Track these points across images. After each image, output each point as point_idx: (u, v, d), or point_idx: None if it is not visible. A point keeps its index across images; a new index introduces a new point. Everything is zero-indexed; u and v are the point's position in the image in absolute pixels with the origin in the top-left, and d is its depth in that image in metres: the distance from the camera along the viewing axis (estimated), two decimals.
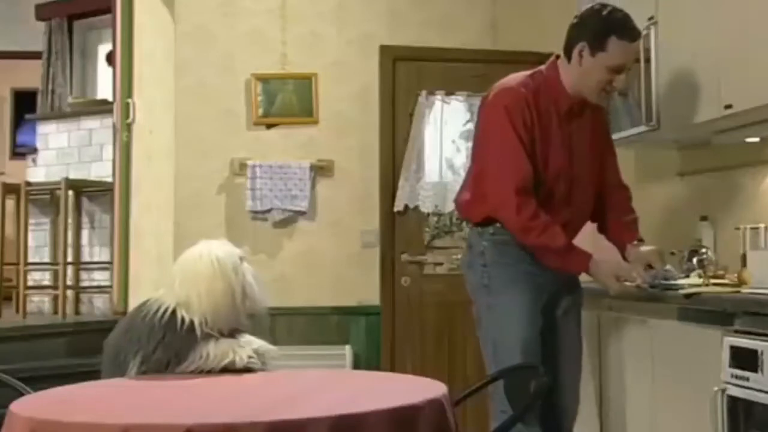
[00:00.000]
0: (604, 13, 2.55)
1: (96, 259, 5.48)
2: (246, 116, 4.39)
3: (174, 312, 2.08)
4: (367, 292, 4.40)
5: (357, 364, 4.27)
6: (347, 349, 4.29)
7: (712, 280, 2.77)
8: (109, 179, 5.19)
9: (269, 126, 4.42)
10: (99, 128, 5.61)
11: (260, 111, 4.40)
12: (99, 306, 5.37)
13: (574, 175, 2.60)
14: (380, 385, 2.04)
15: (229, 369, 2.06)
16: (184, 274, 2.13)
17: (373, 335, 4.39)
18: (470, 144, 4.89)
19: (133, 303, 4.62)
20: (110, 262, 5.13)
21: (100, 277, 5.40)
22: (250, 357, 2.07)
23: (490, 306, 2.59)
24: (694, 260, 3.07)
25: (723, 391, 2.29)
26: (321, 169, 4.42)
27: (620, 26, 2.52)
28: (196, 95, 4.36)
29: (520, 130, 2.50)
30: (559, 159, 2.56)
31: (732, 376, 2.28)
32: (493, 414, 2.55)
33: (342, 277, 4.40)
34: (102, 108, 5.63)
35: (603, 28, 2.51)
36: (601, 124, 2.76)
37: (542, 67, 2.65)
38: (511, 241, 2.55)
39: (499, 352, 2.55)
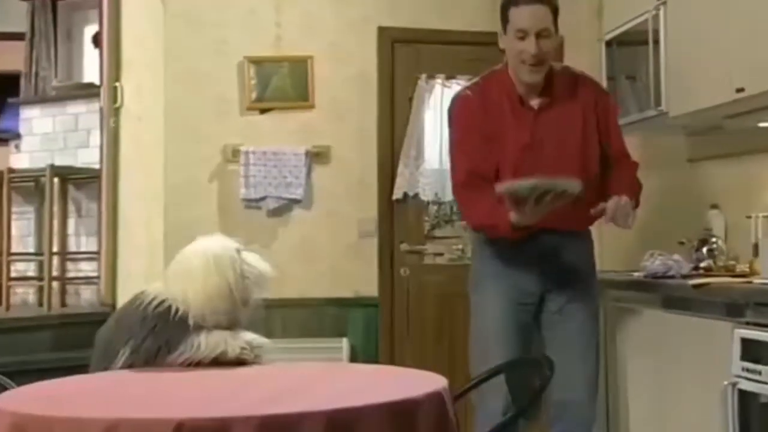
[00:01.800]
0: None
1: (83, 249, 5.47)
2: (239, 101, 4.38)
3: (169, 304, 2.09)
4: (365, 283, 4.40)
5: (354, 358, 4.27)
6: (344, 342, 4.29)
7: (723, 271, 2.77)
8: (97, 166, 5.18)
9: (263, 111, 4.41)
10: (85, 113, 5.58)
11: (253, 95, 4.38)
12: (86, 298, 5.36)
13: (541, 158, 2.63)
14: (378, 379, 2.04)
15: (221, 361, 2.06)
16: (179, 270, 2.15)
17: (371, 328, 4.40)
18: None
19: (122, 294, 4.62)
20: (98, 253, 5.12)
21: (87, 268, 5.39)
22: (242, 348, 2.08)
23: (471, 300, 2.79)
24: (704, 250, 3.07)
25: (734, 385, 2.30)
26: (317, 156, 4.41)
27: None
28: (187, 79, 4.34)
29: (464, 132, 2.69)
30: (517, 144, 2.64)
31: (743, 369, 2.28)
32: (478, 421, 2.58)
33: (339, 268, 4.40)
34: (88, 92, 5.60)
35: (504, 4, 2.66)
36: (594, 106, 2.72)
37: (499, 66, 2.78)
38: (488, 238, 2.69)
39: (471, 345, 2.74)
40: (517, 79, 2.67)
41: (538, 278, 2.64)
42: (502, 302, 2.65)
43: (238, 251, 2.16)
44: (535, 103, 2.68)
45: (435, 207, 4.56)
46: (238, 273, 2.12)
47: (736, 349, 2.31)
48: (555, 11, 2.64)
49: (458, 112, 2.74)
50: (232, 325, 2.13)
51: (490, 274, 2.69)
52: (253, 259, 2.19)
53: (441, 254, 4.59)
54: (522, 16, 2.61)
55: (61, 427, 1.50)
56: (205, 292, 2.07)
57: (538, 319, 2.69)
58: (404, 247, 4.51)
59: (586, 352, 2.69)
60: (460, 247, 4.72)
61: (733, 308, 2.39)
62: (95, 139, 5.36)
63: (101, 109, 5.09)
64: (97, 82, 5.40)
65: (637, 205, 2.68)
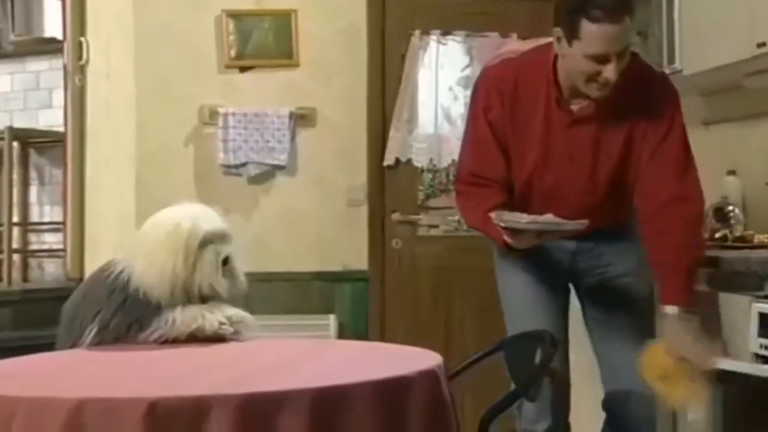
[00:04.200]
0: None
1: (46, 219, 5.45)
2: (217, 58, 4.36)
3: (135, 275, 2.08)
4: (354, 255, 4.41)
5: (342, 336, 4.28)
6: (331, 319, 4.30)
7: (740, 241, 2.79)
8: (61, 129, 5.14)
9: (243, 69, 4.39)
10: (47, 70, 5.54)
11: (233, 52, 4.36)
12: (50, 272, 5.35)
13: (562, 182, 2.44)
14: (367, 356, 2.05)
15: (198, 338, 2.06)
16: (141, 234, 2.15)
17: (361, 304, 4.41)
18: (469, 92, 4.94)
19: (89, 268, 4.60)
20: (63, 223, 5.10)
21: (51, 240, 5.38)
22: (221, 323, 2.07)
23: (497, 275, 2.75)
24: (719, 219, 3.08)
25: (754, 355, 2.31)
26: (302, 118, 4.39)
27: (589, 4, 2.25)
28: (160, 34, 4.32)
29: (484, 127, 2.47)
30: (540, 157, 2.43)
31: (761, 346, 2.29)
32: None
33: (325, 239, 4.41)
34: (50, 47, 5.55)
35: (572, 10, 2.29)
36: (647, 123, 2.39)
37: (543, 44, 2.47)
38: None
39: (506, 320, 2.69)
40: (568, 82, 2.38)
41: (564, 259, 2.55)
42: (524, 279, 2.58)
43: (206, 242, 2.10)
44: (575, 106, 2.40)
45: (430, 175, 4.56)
46: (188, 263, 2.08)
47: (754, 324, 2.32)
48: (633, 15, 2.31)
49: (486, 92, 2.46)
50: (209, 297, 2.12)
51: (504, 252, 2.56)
52: (210, 260, 2.09)
53: (436, 226, 4.59)
54: (600, 37, 2.24)
55: (24, 408, 1.50)
56: (153, 263, 2.05)
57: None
58: (396, 217, 4.51)
59: (621, 335, 2.50)
60: (457, 218, 4.71)
61: (751, 281, 2.39)
62: (58, 99, 5.31)
63: (65, 67, 5.04)
64: (59, 36, 5.34)
65: (693, 300, 2.27)
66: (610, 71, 2.28)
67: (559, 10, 2.35)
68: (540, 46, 2.49)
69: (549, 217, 2.31)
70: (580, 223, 2.29)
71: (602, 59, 2.27)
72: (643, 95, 2.40)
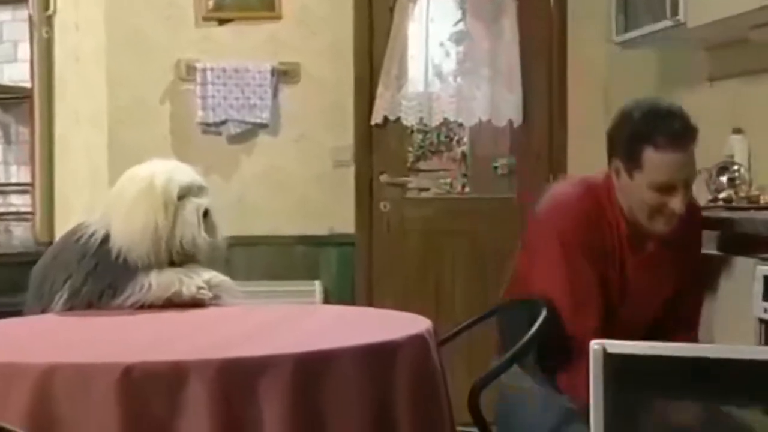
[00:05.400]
0: (636, 114, 2.27)
1: (13, 180, 5.41)
2: (194, 9, 4.32)
3: (108, 237, 2.07)
4: (340, 218, 4.41)
5: (328, 302, 4.28)
6: (317, 285, 4.31)
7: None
8: (27, 84, 5.09)
9: (222, 21, 4.35)
10: (11, 21, 5.46)
11: (211, 3, 4.32)
12: (18, 235, 5.33)
13: (628, 311, 2.38)
14: (353, 320, 2.06)
15: (175, 303, 2.06)
16: (113, 193, 2.16)
17: (347, 268, 4.42)
18: (461, 48, 4.95)
19: (60, 231, 4.58)
20: (31, 184, 5.07)
21: (18, 202, 5.35)
22: (199, 288, 2.08)
23: None
24: (724, 178, 3.08)
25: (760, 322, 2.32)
26: (284, 74, 4.37)
27: (654, 132, 2.21)
28: None
29: (585, 259, 2.32)
30: (613, 300, 2.35)
31: (766, 311, 2.30)
32: None
33: (310, 202, 4.40)
34: None
35: (633, 138, 2.24)
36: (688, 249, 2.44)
37: (598, 176, 2.40)
38: None
39: None
40: (634, 220, 2.32)
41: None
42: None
43: (183, 194, 2.10)
44: (650, 247, 2.36)
45: (420, 136, 4.55)
46: (171, 217, 2.07)
47: (759, 288, 2.33)
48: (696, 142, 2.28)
49: (575, 236, 2.30)
50: (186, 260, 2.12)
51: None
52: (190, 212, 2.10)
53: (426, 189, 4.59)
54: (666, 166, 2.21)
55: None
56: (129, 226, 2.05)
57: None
58: (384, 178, 4.50)
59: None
60: (449, 181, 4.72)
61: (757, 243, 2.40)
62: (24, 52, 5.25)
63: (30, 17, 4.98)
64: None
65: None
66: (677, 203, 2.24)
67: (616, 140, 2.31)
68: (584, 184, 2.40)
69: None
70: None
71: (668, 190, 2.24)
72: (688, 222, 2.36)
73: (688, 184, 2.28)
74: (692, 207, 2.43)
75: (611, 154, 2.33)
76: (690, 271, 2.45)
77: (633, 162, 2.25)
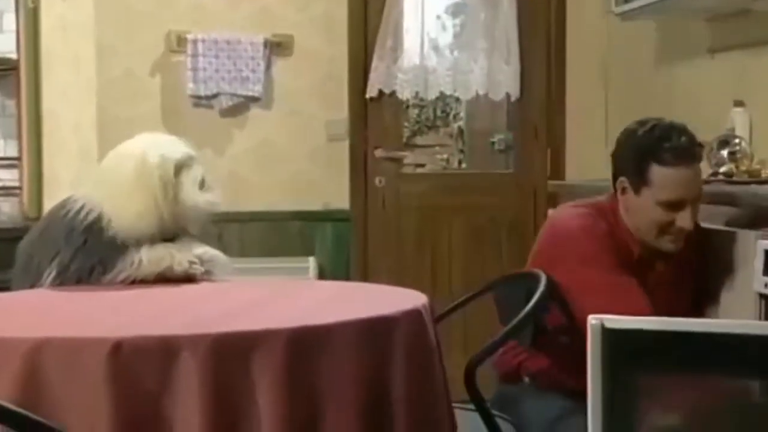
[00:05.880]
0: (640, 132, 2.30)
1: (0, 154, 5.40)
2: None
3: (99, 214, 2.06)
4: (334, 194, 4.41)
5: (323, 279, 4.29)
6: (311, 262, 4.31)
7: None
8: (13, 56, 5.06)
9: None
10: None
11: None
12: (5, 211, 5.31)
13: None
14: (348, 295, 2.06)
15: (167, 278, 2.06)
16: (105, 171, 2.15)
17: (342, 245, 4.42)
18: (458, 21, 4.93)
19: (48, 206, 4.57)
20: (18, 158, 5.06)
21: (5, 176, 5.32)
22: (191, 262, 2.07)
23: None
24: (725, 152, 3.07)
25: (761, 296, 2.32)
26: (277, 46, 4.36)
27: (659, 147, 2.24)
28: None
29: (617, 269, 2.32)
30: None
31: (767, 286, 2.31)
32: None
33: (304, 177, 4.40)
34: None
35: (639, 155, 2.27)
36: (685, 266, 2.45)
37: (602, 199, 2.43)
38: None
39: None
40: (642, 240, 2.34)
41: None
42: None
43: (179, 168, 2.09)
44: (659, 267, 2.39)
45: (416, 111, 4.54)
46: (169, 194, 2.07)
47: (759, 262, 2.33)
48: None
49: (600, 239, 2.32)
50: (177, 235, 2.12)
51: None
52: (190, 186, 2.11)
53: (423, 165, 4.59)
54: (674, 182, 2.23)
55: None
56: (129, 204, 2.04)
57: None
58: (380, 153, 4.50)
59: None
60: (445, 156, 4.72)
61: (758, 217, 2.40)
62: (9, 22, 5.20)
63: None
64: None
65: None
66: (685, 219, 2.26)
67: (622, 158, 2.33)
68: (593, 206, 2.40)
69: None
70: None
71: (676, 206, 2.26)
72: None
73: (696, 200, 2.30)
74: (697, 231, 2.45)
75: (616, 174, 2.35)
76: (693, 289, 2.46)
77: (640, 178, 2.27)
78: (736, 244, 2.48)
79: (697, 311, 2.48)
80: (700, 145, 2.33)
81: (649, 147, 2.26)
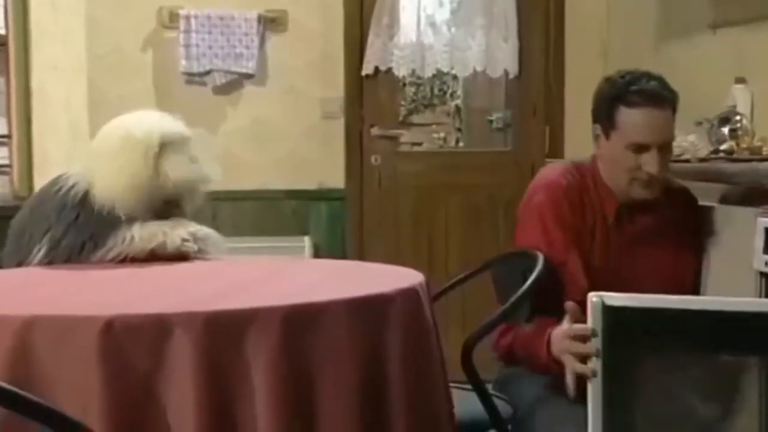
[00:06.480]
0: (614, 78, 2.34)
1: None
2: None
3: (90, 190, 2.06)
4: (330, 172, 4.42)
5: (318, 258, 4.30)
6: (306, 241, 4.32)
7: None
8: (1, 31, 5.04)
9: None
10: None
11: None
12: None
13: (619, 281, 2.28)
14: (343, 274, 2.05)
15: (159, 256, 2.05)
16: (95, 148, 2.14)
17: (337, 224, 4.43)
18: None
19: (39, 185, 4.58)
20: (8, 136, 5.04)
21: None
22: (184, 240, 2.07)
23: None
24: (725, 129, 3.07)
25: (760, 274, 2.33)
26: (272, 22, 4.35)
27: (626, 90, 2.27)
28: None
29: (560, 231, 2.34)
30: (602, 278, 2.28)
31: (767, 264, 2.31)
32: None
33: (299, 155, 4.40)
34: None
35: (607, 99, 2.31)
36: (683, 226, 2.46)
37: (584, 159, 2.45)
38: None
39: None
40: (617, 190, 2.35)
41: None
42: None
43: (166, 143, 2.09)
44: (641, 222, 2.39)
45: (413, 89, 4.54)
46: (152, 167, 2.06)
47: (760, 240, 2.33)
48: (675, 110, 2.31)
49: (549, 206, 2.36)
50: (170, 213, 2.11)
51: None
52: (178, 161, 2.10)
53: (419, 143, 4.59)
54: (639, 124, 2.25)
55: None
56: (115, 177, 2.04)
57: None
58: (375, 131, 4.49)
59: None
60: (442, 135, 4.71)
61: (758, 194, 2.40)
62: None
63: None
64: None
65: None
66: (652, 164, 2.25)
67: (595, 105, 2.35)
68: (579, 163, 2.44)
69: None
70: None
71: (641, 148, 2.26)
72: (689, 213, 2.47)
73: (663, 147, 2.28)
74: (688, 195, 2.51)
75: (593, 122, 2.37)
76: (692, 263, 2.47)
77: (608, 122, 2.30)
78: (735, 222, 2.48)
79: (696, 289, 2.49)
80: (672, 91, 2.32)
81: (618, 90, 2.29)
